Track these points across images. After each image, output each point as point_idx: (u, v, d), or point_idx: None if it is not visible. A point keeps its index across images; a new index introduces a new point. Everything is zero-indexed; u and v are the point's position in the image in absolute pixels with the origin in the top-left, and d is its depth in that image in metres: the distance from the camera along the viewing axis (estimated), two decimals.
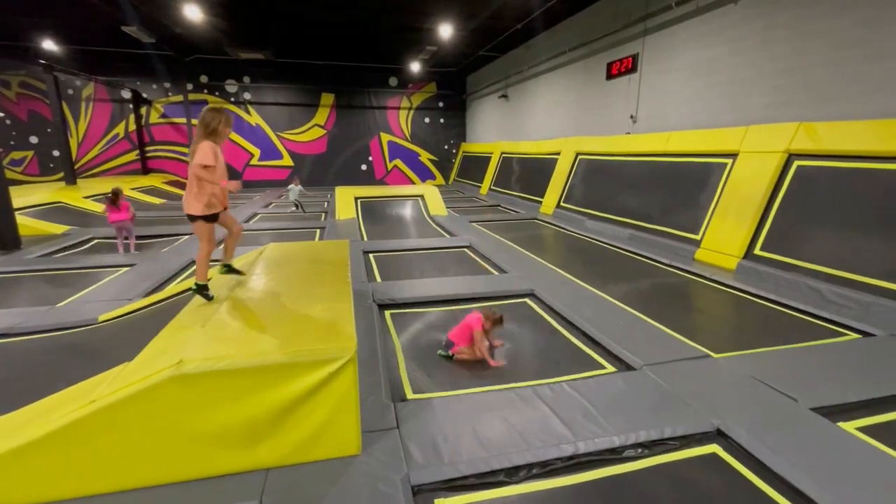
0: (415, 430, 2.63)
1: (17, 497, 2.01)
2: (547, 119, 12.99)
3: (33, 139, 16.67)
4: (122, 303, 4.73)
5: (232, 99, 18.17)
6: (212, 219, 3.16)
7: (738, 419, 2.72)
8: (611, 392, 3.07)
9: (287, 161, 19.22)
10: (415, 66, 16.62)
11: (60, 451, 2.03)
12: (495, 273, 6.08)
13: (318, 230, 9.22)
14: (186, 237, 8.55)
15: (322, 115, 19.13)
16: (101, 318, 4.24)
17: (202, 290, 3.19)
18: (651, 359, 3.51)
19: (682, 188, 7.30)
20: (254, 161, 18.94)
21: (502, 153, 15.32)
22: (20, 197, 9.37)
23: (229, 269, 3.60)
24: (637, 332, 4.04)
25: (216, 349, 2.23)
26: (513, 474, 2.40)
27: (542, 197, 11.50)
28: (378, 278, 5.86)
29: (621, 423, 2.70)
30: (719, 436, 2.67)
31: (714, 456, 2.54)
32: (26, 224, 8.34)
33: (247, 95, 18.29)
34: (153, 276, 5.78)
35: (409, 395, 3.19)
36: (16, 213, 7.71)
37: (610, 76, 9.78)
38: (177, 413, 2.11)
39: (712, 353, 3.61)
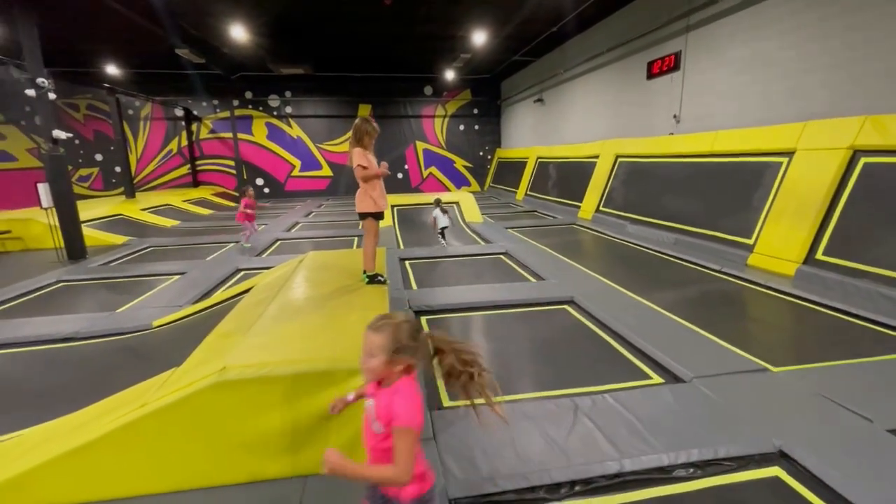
0: (452, 441, 2.58)
1: (74, 495, 2.12)
2: (584, 122, 12.71)
3: (98, 157, 18.03)
4: (173, 309, 4.97)
5: (274, 113, 18.94)
6: (379, 216, 3.70)
7: (803, 440, 2.50)
8: (658, 405, 2.91)
9: (326, 171, 19.79)
10: (449, 74, 16.75)
11: (113, 452, 2.13)
12: (533, 280, 5.95)
13: (355, 238, 9.39)
14: (233, 245, 8.94)
15: None
16: (155, 323, 4.47)
17: (374, 278, 3.62)
18: (702, 371, 3.30)
19: (732, 190, 6.90)
20: (295, 172, 19.62)
21: (538, 158, 15.12)
22: (86, 210, 10.12)
23: (372, 279, 3.75)
24: (686, 342, 3.82)
25: (258, 356, 2.28)
26: (553, 491, 2.29)
27: (581, 201, 11.22)
28: (414, 286, 5.87)
29: (670, 440, 2.54)
30: (782, 458, 2.45)
31: (776, 480, 2.33)
32: (91, 235, 8.98)
33: (288, 109, 19.01)
34: (201, 283, 6.05)
35: (446, 402, 3.14)
36: (82, 225, 8.33)
37: (650, 75, 9.45)
38: (220, 418, 2.16)
39: (771, 367, 3.35)
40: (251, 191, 8.59)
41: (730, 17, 7.42)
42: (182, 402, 2.11)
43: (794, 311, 4.63)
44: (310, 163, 19.66)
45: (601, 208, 10.23)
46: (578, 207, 11.24)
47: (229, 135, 18.47)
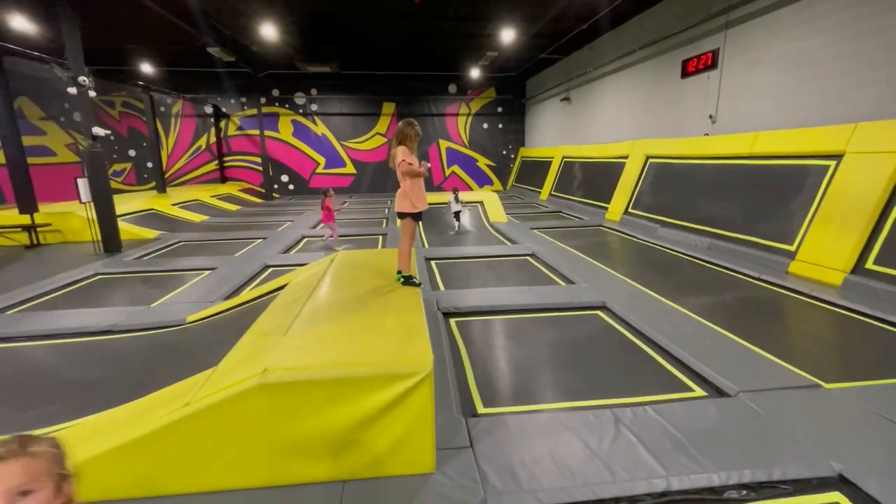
0: (489, 451, 2.52)
1: (120, 491, 2.14)
2: (613, 121, 12.44)
3: (132, 152, 18.58)
4: (206, 305, 5.05)
5: (300, 111, 19.17)
6: (417, 217, 3.70)
7: (864, 464, 2.35)
8: (703, 420, 2.78)
9: (350, 169, 19.94)
10: (474, 73, 16.64)
11: (158, 449, 2.15)
12: (562, 283, 5.83)
13: (380, 237, 9.41)
14: (260, 241, 9.07)
15: (384, 124, 19.67)
16: (189, 318, 4.55)
17: (409, 280, 3.61)
18: (748, 385, 3.15)
19: (773, 193, 6.63)
20: (319, 169, 19.83)
21: (564, 157, 14.89)
22: (121, 205, 10.41)
23: (407, 280, 3.70)
24: (727, 353, 3.67)
25: (298, 358, 2.27)
26: None
27: (608, 203, 10.99)
28: (441, 286, 5.83)
29: (719, 459, 2.43)
30: (842, 482, 2.31)
31: None
32: (125, 229, 9.24)
33: (314, 107, 19.22)
34: (232, 279, 6.14)
35: (481, 409, 3.09)
36: (117, 219, 8.57)
37: (685, 74, 9.16)
38: (261, 420, 2.15)
39: (822, 383, 3.18)
40: (332, 192, 8.77)
41: (772, 13, 7.12)
42: (225, 403, 2.11)
43: (843, 322, 4.40)
44: (334, 160, 19.85)
45: (630, 210, 10.00)
46: (605, 209, 11.02)
47: (256, 132, 18.77)
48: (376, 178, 20.02)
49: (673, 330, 4.14)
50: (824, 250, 5.50)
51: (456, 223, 9.58)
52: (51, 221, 9.36)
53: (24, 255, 8.24)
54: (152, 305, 5.19)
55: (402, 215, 3.69)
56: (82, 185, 7.83)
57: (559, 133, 16.33)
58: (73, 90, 7.57)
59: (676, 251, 7.34)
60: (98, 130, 7.80)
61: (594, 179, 12.43)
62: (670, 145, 9.37)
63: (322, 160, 19.77)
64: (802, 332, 4.34)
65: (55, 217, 9.41)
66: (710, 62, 8.36)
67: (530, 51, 14.02)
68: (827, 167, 5.89)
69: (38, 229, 9.14)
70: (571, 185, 13.76)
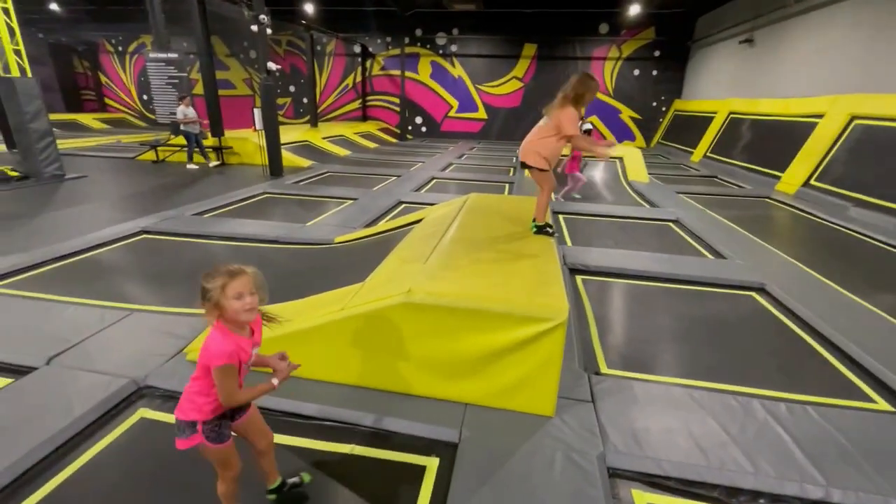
0: (612, 410, 2.45)
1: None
2: (811, 71, 10.03)
3: (291, 88, 20.77)
4: (349, 229, 5.61)
5: (440, 51, 19.19)
6: (546, 170, 3.37)
7: None
8: (884, 437, 2.32)
9: (482, 114, 19.72)
10: (634, 8, 14.67)
11: (314, 342, 2.51)
12: (710, 256, 5.17)
13: (506, 185, 9.29)
14: (395, 178, 9.64)
15: (522, 67, 18.77)
16: (337, 239, 5.11)
17: (542, 228, 3.45)
18: None
19: None
20: (451, 113, 19.98)
21: (731, 113, 12.69)
22: (282, 136, 11.84)
23: (541, 229, 3.52)
24: None
25: (437, 286, 2.39)
26: (732, 495, 2.03)
27: (782, 171, 9.20)
28: (568, 241, 5.61)
29: None
30: None
31: None
32: (285, 157, 10.53)
33: (454, 48, 19.06)
34: (371, 210, 6.68)
35: (604, 369, 2.98)
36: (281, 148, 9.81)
37: None
38: (402, 333, 2.37)
39: None
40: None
41: None
42: (374, 314, 2.35)
43: None
44: (467, 104, 19.76)
45: (812, 182, 8.25)
46: (778, 178, 9.26)
47: (398, 72, 19.42)
48: (507, 125, 19.53)
49: (853, 326, 3.43)
50: None
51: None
52: (232, 145, 11.10)
53: (210, 173, 9.98)
54: (307, 224, 5.94)
55: (532, 168, 3.38)
56: (257, 114, 9.02)
57: (731, 83, 13.81)
58: (255, 27, 8.56)
59: (871, 237, 5.93)
60: (271, 65, 8.80)
61: (768, 141, 10.43)
62: (893, 103, 7.31)
63: (455, 103, 19.83)
64: None
65: (236, 142, 11.11)
66: None
67: None
68: None
69: (223, 151, 10.93)
70: (735, 147, 11.77)
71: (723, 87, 14.27)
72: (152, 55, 10.69)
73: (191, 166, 10.21)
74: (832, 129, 8.29)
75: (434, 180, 9.75)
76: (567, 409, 2.44)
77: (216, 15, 11.39)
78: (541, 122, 3.34)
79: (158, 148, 10.92)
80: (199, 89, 12.02)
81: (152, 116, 15.36)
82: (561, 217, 6.74)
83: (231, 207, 6.84)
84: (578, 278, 4.46)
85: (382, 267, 3.08)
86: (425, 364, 2.41)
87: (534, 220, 3.54)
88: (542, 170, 3.35)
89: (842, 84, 8.86)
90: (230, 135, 11.46)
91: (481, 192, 8.35)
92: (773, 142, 10.11)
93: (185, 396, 1.53)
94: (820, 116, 8.83)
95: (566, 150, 4.06)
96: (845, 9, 9.05)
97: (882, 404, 2.69)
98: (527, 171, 3.49)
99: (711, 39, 15.28)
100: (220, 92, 11.43)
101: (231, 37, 19.36)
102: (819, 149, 8.40)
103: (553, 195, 7.32)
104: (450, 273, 2.58)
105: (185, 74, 11.02)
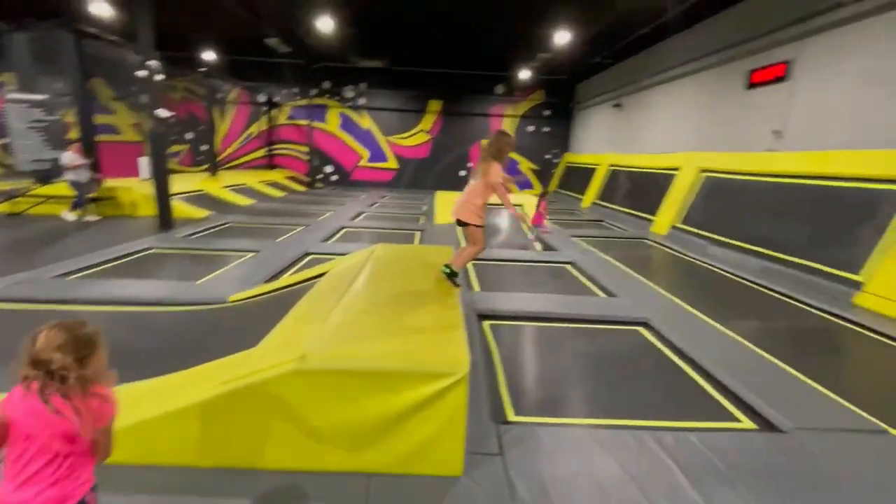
0: (520, 462, 2.44)
1: (156, 457, 2.21)
2: (666, 132, 11.95)
3: (189, 135, 19.53)
4: (247, 285, 5.20)
5: (349, 104, 19.55)
6: (480, 226, 3.70)
7: None
8: (753, 456, 2.59)
9: (392, 164, 20.17)
10: (524, 74, 16.41)
11: (194, 423, 2.20)
12: (602, 295, 5.64)
13: (417, 233, 9.43)
14: (302, 228, 9.29)
15: (428, 121, 19.77)
16: (231, 298, 4.69)
17: (452, 276, 3.63)
18: (803, 422, 2.91)
19: (841, 218, 6.15)
20: (362, 162, 20.17)
21: (610, 165, 14.46)
22: (175, 184, 10.93)
23: (450, 276, 3.69)
24: (780, 384, 3.42)
25: (336, 348, 2.27)
26: None
27: (654, 215, 10.57)
28: (476, 287, 5.76)
29: (770, 499, 2.24)
30: None
31: None
32: (178, 207, 9.69)
33: (362, 101, 19.55)
34: (273, 263, 6.30)
35: (511, 416, 3.00)
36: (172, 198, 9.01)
37: (750, 85, 8.66)
38: (295, 405, 2.17)
39: (891, 429, 2.90)
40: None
41: (856, 23, 6.59)
42: (261, 385, 2.14)
43: None
44: (377, 154, 20.13)
45: (678, 224, 9.56)
46: (651, 221, 10.60)
47: (305, 122, 19.29)
48: (418, 175, 20.15)
49: (720, 354, 3.90)
50: None
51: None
52: (114, 195, 9.95)
53: (88, 226, 8.79)
54: (198, 282, 5.40)
55: (464, 224, 3.67)
56: (143, 163, 8.26)
57: (607, 140, 15.87)
58: (142, 73, 8.01)
59: (727, 271, 6.94)
60: (162, 112, 8.22)
61: (641, 190, 11.99)
62: (729, 159, 8.89)
63: (366, 153, 20.10)
64: (869, 370, 3.99)
65: (118, 191, 10.00)
66: (782, 73, 7.85)
67: (585, 54, 13.68)
68: None
69: (101, 202, 9.74)
70: (616, 194, 13.34)
71: (602, 142, 16.32)
72: (11, 96, 9.43)
73: (68, 215, 8.92)
74: (688, 180, 9.79)
75: (344, 229, 9.58)
76: (476, 465, 2.38)
77: (97, 58, 10.50)
78: (471, 182, 3.68)
79: (17, 199, 9.42)
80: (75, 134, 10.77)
81: (9, 163, 13.34)
82: (469, 264, 6.94)
83: (106, 266, 6.01)
84: (486, 324, 4.55)
85: (278, 329, 2.86)
86: (325, 435, 2.22)
87: (447, 265, 3.61)
88: (477, 226, 3.65)
89: (692, 143, 10.62)
90: (111, 183, 10.31)
91: (392, 240, 8.43)
92: (646, 190, 11.64)
93: None
94: (676, 169, 10.41)
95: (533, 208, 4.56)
96: (686, 84, 11.03)
97: (746, 423, 3.03)
98: (459, 229, 3.71)
99: (590, 103, 17.58)
100: (104, 137, 10.38)
101: (118, 80, 17.86)
102: (680, 196, 9.84)
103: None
104: (349, 332, 2.47)
105: (57, 117, 9.85)
